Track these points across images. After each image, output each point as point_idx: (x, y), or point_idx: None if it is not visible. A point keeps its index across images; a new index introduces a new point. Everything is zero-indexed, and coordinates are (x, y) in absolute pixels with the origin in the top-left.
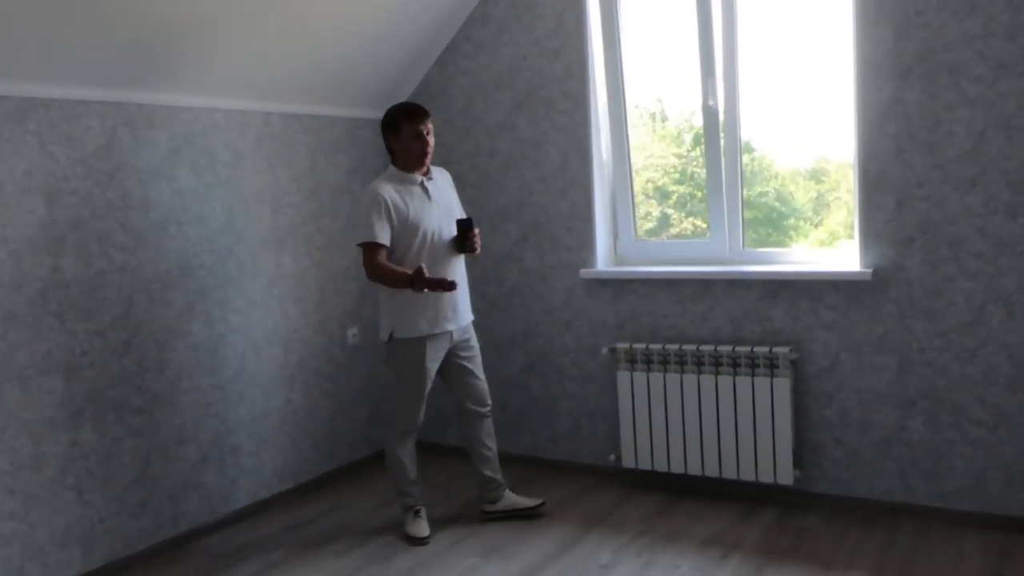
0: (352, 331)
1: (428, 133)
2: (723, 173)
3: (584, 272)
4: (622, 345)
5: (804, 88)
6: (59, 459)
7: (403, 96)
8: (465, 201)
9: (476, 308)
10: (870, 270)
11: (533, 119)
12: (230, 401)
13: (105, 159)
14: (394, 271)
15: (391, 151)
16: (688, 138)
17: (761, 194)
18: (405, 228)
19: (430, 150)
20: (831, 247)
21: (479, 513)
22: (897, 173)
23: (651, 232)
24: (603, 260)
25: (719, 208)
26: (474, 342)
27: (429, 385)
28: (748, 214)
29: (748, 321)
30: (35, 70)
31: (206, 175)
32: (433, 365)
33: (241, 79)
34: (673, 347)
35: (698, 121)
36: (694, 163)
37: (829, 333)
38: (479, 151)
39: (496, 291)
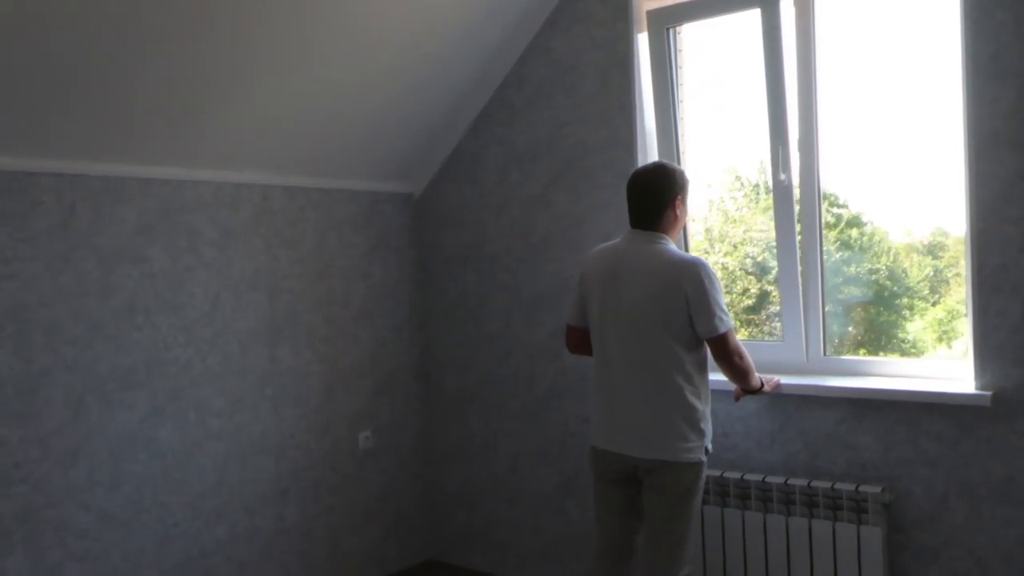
0: (364, 434)
1: None
2: (798, 265)
3: None
4: None
5: (912, 153)
6: None
7: (432, 168)
8: (498, 287)
9: (507, 414)
10: (989, 393)
11: (573, 194)
12: (204, 520)
13: (59, 238)
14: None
15: (670, 218)
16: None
17: (872, 271)
18: None
19: None
20: (949, 327)
21: None
22: None
23: (750, 310)
24: None
25: (794, 306)
26: None
27: None
28: (857, 291)
29: (828, 448)
30: None
31: (186, 257)
32: None
33: (236, 149)
34: (733, 475)
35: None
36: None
37: (933, 470)
38: (513, 230)
39: (528, 394)
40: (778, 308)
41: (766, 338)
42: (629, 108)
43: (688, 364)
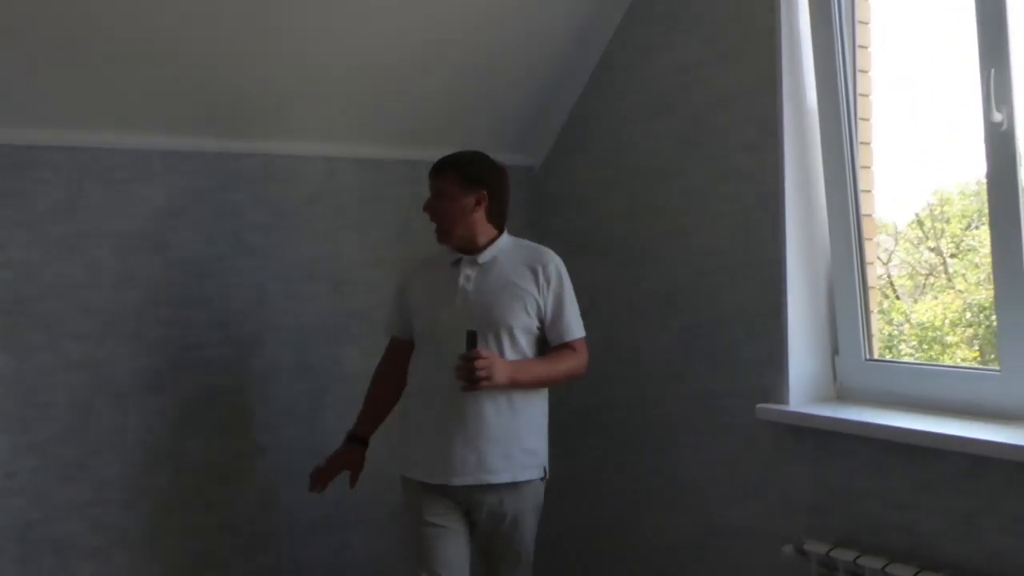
0: None
1: (433, 195)
2: None
3: (763, 409)
4: (817, 547)
5: None
6: None
7: (549, 133)
8: (613, 285)
9: (621, 442)
10: None
11: (702, 159)
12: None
13: (64, 220)
14: (370, 395)
15: None
16: None
17: None
18: (415, 319)
19: (433, 220)
20: None
21: None
22: None
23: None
24: (803, 391)
25: (1017, 319)
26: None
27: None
28: None
29: None
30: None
31: (221, 241)
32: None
33: (290, 114)
34: (905, 572)
35: None
36: None
37: None
38: (630, 211)
39: (652, 419)
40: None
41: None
42: (770, 33)
43: None
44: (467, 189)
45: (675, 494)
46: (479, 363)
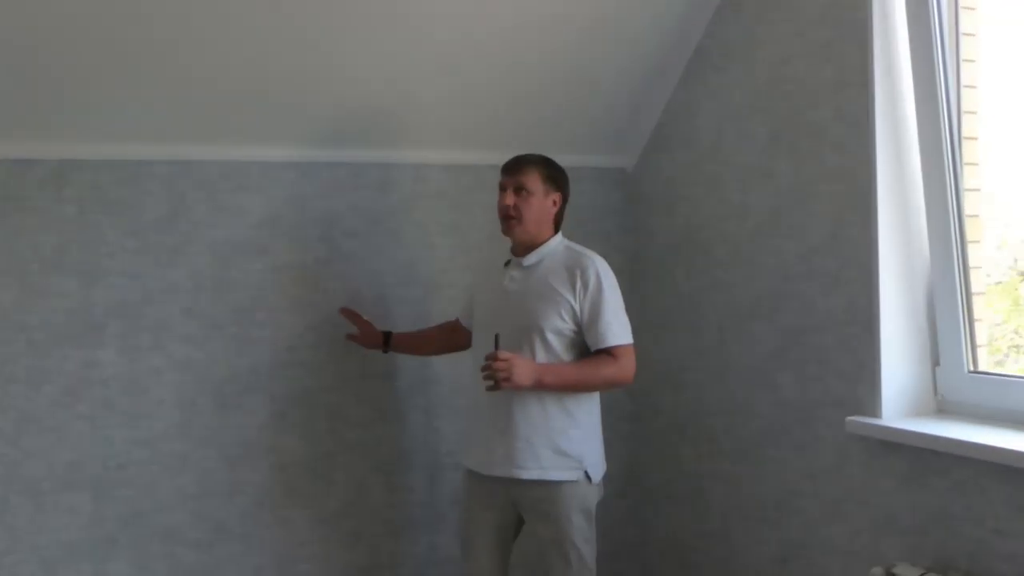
0: None
1: (512, 191)
2: None
3: (853, 422)
4: (908, 571)
5: None
6: None
7: (642, 134)
8: (704, 288)
9: (711, 451)
10: None
11: (795, 159)
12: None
13: (169, 229)
14: (420, 330)
15: None
16: None
17: None
18: (474, 313)
19: (508, 215)
20: None
21: None
22: None
23: None
24: (898, 404)
25: None
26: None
27: (476, 554)
28: None
29: None
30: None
31: (317, 247)
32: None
33: (377, 123)
34: None
35: None
36: None
37: None
38: (723, 212)
39: (744, 428)
40: None
41: None
42: (862, 27)
43: None
44: (548, 188)
45: (763, 506)
46: (497, 364)
